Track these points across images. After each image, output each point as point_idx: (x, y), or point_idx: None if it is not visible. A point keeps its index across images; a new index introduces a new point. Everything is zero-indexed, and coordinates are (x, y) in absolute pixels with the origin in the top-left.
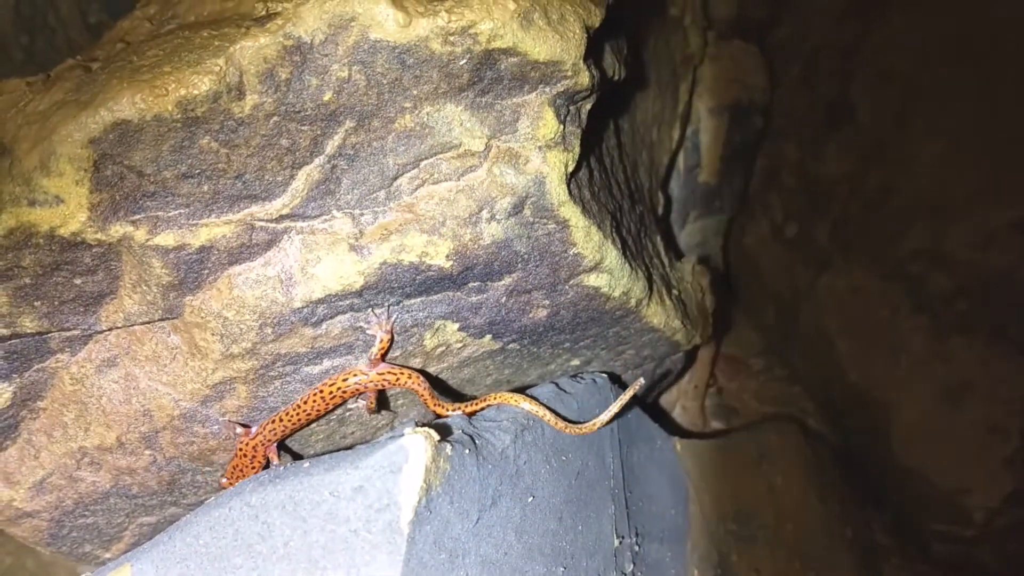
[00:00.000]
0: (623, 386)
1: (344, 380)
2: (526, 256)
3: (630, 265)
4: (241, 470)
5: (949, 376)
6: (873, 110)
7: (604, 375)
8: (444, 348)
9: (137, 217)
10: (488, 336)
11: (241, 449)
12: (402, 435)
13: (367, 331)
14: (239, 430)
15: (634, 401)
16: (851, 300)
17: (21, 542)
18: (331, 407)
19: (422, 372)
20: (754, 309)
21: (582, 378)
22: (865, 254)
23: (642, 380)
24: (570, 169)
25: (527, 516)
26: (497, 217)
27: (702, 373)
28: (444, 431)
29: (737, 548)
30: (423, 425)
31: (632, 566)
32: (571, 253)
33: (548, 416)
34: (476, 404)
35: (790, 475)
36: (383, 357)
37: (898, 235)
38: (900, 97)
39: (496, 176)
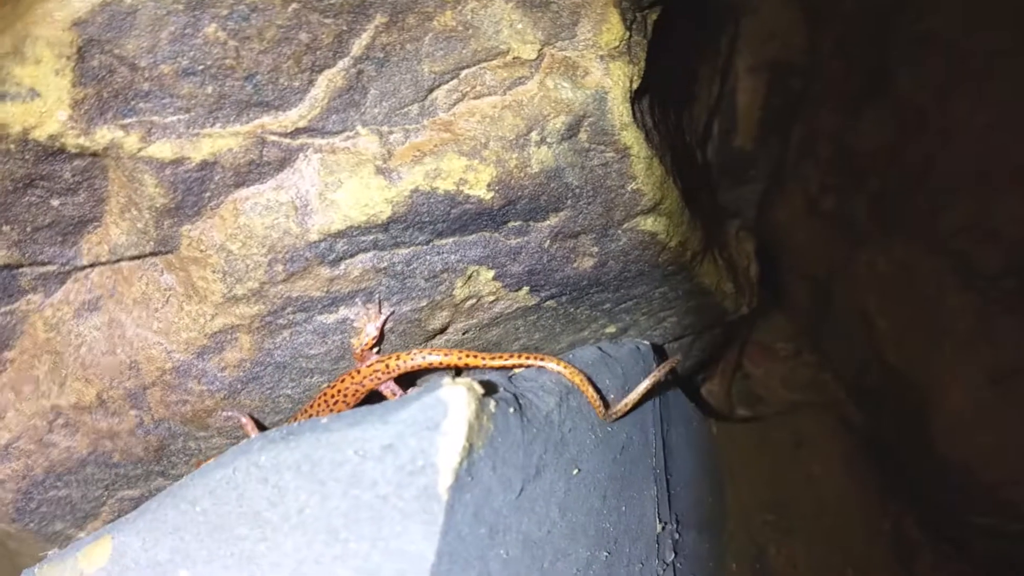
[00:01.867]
0: (664, 358)
1: (341, 381)
2: (578, 190)
3: (689, 211)
4: None
5: (996, 359)
6: (913, 78)
7: (647, 343)
8: (475, 301)
9: (128, 120)
10: (525, 288)
11: None
12: (439, 386)
13: (354, 323)
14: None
15: (673, 379)
16: (892, 278)
17: None
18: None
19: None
20: (784, 289)
21: (623, 342)
22: (906, 229)
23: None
24: (635, 86)
25: (571, 491)
26: (548, 140)
27: (729, 356)
28: (487, 385)
29: (775, 540)
30: (458, 375)
31: (673, 555)
32: (629, 189)
33: (591, 394)
34: (517, 358)
35: (828, 464)
36: (372, 350)
37: (941, 209)
38: (942, 65)
39: (549, 90)
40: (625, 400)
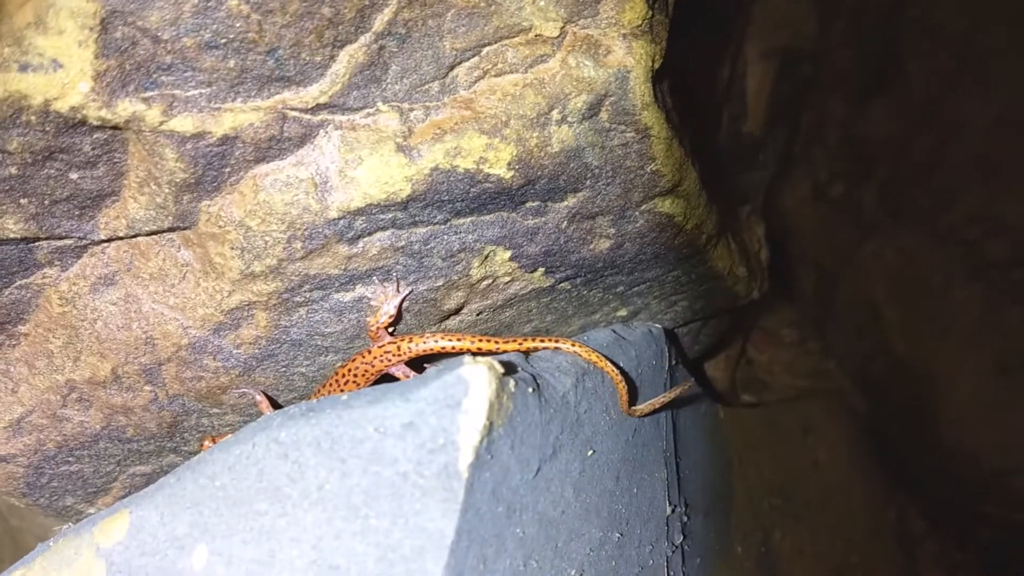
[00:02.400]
0: (673, 341)
1: (352, 361)
2: (597, 170)
3: (707, 193)
4: None
5: (1004, 349)
6: (922, 69)
7: (659, 327)
8: (490, 281)
9: (150, 94)
10: (540, 270)
11: None
12: (460, 364)
13: (371, 302)
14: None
15: (682, 359)
16: (899, 267)
17: None
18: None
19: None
20: (789, 277)
21: (636, 325)
22: (914, 219)
23: (692, 381)
24: (656, 65)
25: (586, 472)
26: (569, 119)
27: (735, 342)
28: (506, 365)
29: (781, 525)
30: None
31: (681, 537)
32: (648, 170)
33: (620, 384)
34: (536, 341)
35: (834, 451)
36: (387, 331)
37: (951, 200)
38: (951, 56)
39: (571, 68)
40: (651, 402)
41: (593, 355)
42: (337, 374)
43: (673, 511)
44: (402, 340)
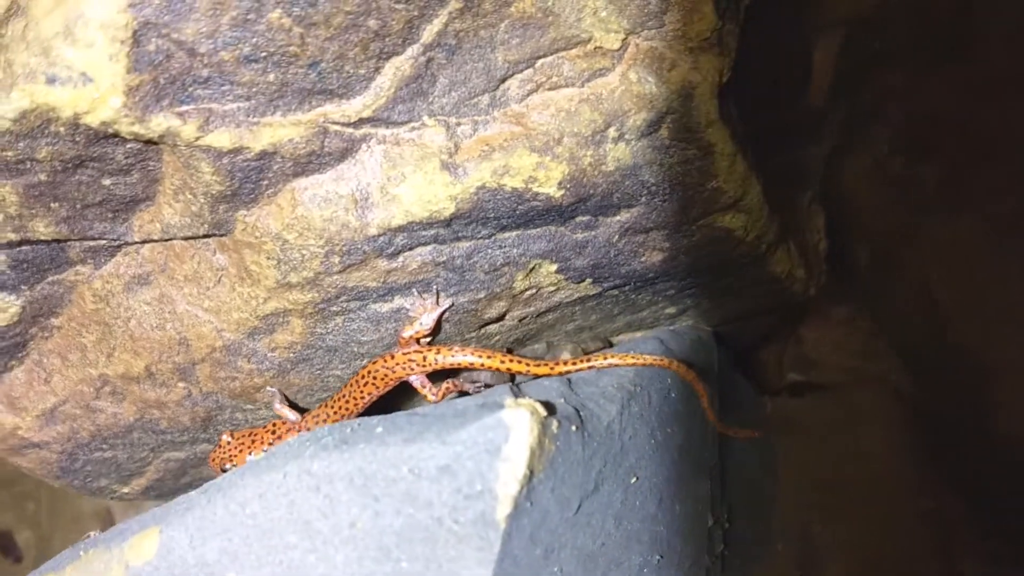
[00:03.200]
0: (722, 342)
1: (374, 363)
2: (654, 188)
3: (769, 204)
4: (256, 448)
5: None
6: (993, 41)
7: (708, 329)
8: (534, 292)
9: (186, 108)
10: (588, 280)
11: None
12: (500, 405)
13: (409, 312)
14: (287, 414)
15: (726, 351)
16: (959, 249)
17: (27, 473)
18: (372, 394)
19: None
20: (843, 253)
21: (683, 331)
22: (976, 202)
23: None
24: (725, 79)
25: (628, 500)
26: (627, 137)
27: (786, 325)
28: (547, 403)
29: (822, 519)
30: (518, 388)
31: (722, 546)
32: (709, 187)
33: (705, 399)
34: (566, 365)
35: (880, 442)
36: (418, 342)
37: (1017, 181)
38: None
39: (632, 83)
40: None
41: (665, 362)
42: (358, 375)
43: (716, 521)
44: (428, 351)
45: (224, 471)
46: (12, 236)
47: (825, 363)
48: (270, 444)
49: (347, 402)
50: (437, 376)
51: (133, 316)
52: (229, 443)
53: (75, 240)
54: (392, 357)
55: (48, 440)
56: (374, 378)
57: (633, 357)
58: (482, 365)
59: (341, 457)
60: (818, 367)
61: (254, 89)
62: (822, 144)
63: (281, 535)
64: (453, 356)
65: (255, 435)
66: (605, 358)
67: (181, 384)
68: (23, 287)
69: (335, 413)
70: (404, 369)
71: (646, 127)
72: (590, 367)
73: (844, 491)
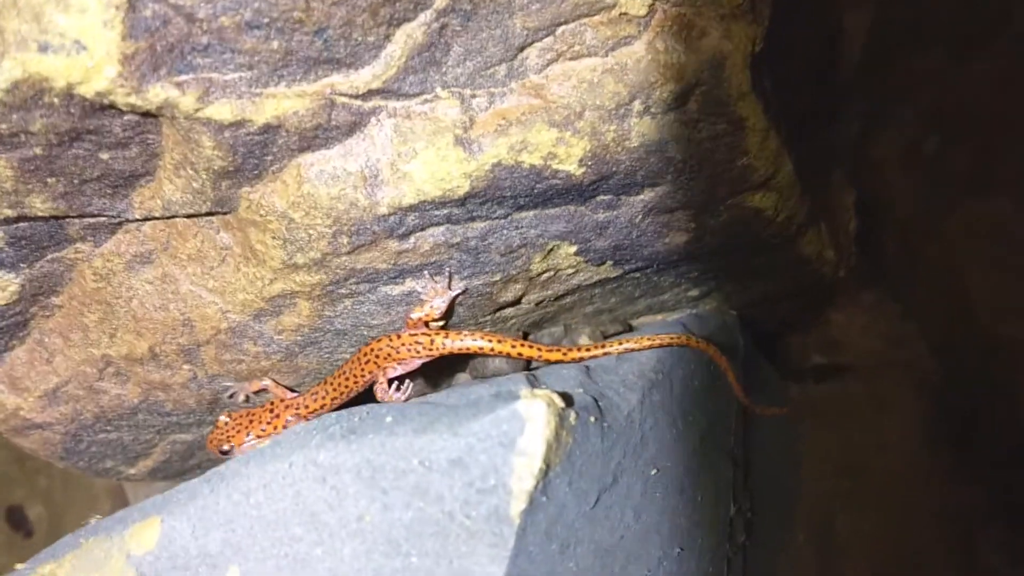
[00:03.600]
0: (746, 326)
1: (378, 342)
2: (680, 165)
3: (801, 183)
4: (255, 428)
5: None
6: None
7: (733, 313)
8: (552, 274)
9: (185, 78)
10: (608, 263)
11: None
12: (515, 396)
13: (420, 295)
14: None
15: (749, 335)
16: (990, 234)
17: (30, 454)
18: (373, 373)
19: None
20: (872, 235)
21: (707, 315)
22: (1010, 188)
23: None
24: (757, 48)
25: (647, 492)
26: (653, 110)
27: (813, 308)
28: (564, 393)
29: (845, 509)
30: (533, 377)
31: (744, 536)
32: (739, 164)
33: (732, 374)
34: (580, 351)
35: (905, 431)
36: (427, 325)
37: None
38: None
39: (659, 53)
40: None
41: (690, 340)
42: (360, 352)
43: (738, 510)
44: (437, 334)
45: (223, 452)
46: (8, 212)
47: (851, 347)
48: (268, 423)
49: (347, 379)
50: (445, 363)
51: (135, 296)
52: (227, 424)
53: (74, 217)
54: (398, 337)
55: (51, 421)
56: (376, 357)
57: (649, 339)
58: (492, 350)
59: (348, 448)
60: (844, 351)
61: (256, 58)
62: (852, 123)
63: (286, 527)
64: (462, 340)
65: (253, 415)
66: (620, 343)
67: (186, 366)
68: (22, 265)
69: (333, 391)
70: (409, 351)
71: (673, 100)
72: (605, 353)
73: (867, 480)
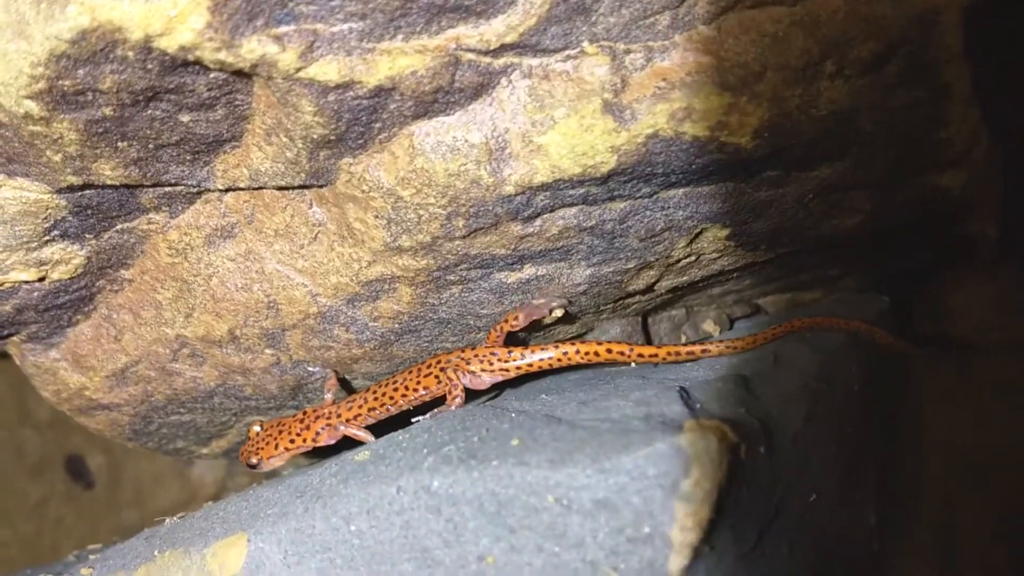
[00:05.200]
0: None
1: (448, 355)
2: (868, 137)
3: (991, 157)
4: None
5: None
6: None
7: (886, 299)
8: (693, 259)
9: (284, 29)
10: (763, 247)
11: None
12: (676, 425)
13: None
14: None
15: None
16: None
17: (95, 435)
18: (430, 389)
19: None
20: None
21: (859, 300)
22: None
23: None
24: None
25: (804, 521)
26: (847, 72)
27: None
28: (735, 417)
29: (970, 505)
30: (685, 393)
31: (877, 543)
32: (935, 138)
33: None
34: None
35: None
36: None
37: None
38: None
39: (860, 4)
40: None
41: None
42: (424, 364)
43: (876, 518)
44: (515, 349)
45: (250, 467)
46: (73, 179)
47: (966, 316)
48: (297, 434)
49: (395, 390)
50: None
51: (215, 273)
52: (257, 435)
53: (148, 185)
54: (471, 349)
55: (119, 402)
56: (442, 369)
57: (763, 333)
58: (584, 356)
59: (469, 476)
60: (955, 318)
61: (370, 5)
62: None
63: (393, 562)
64: (545, 353)
65: (283, 425)
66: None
67: (268, 351)
68: (88, 236)
69: (375, 400)
70: (481, 363)
71: (872, 60)
72: (704, 352)
73: (994, 475)
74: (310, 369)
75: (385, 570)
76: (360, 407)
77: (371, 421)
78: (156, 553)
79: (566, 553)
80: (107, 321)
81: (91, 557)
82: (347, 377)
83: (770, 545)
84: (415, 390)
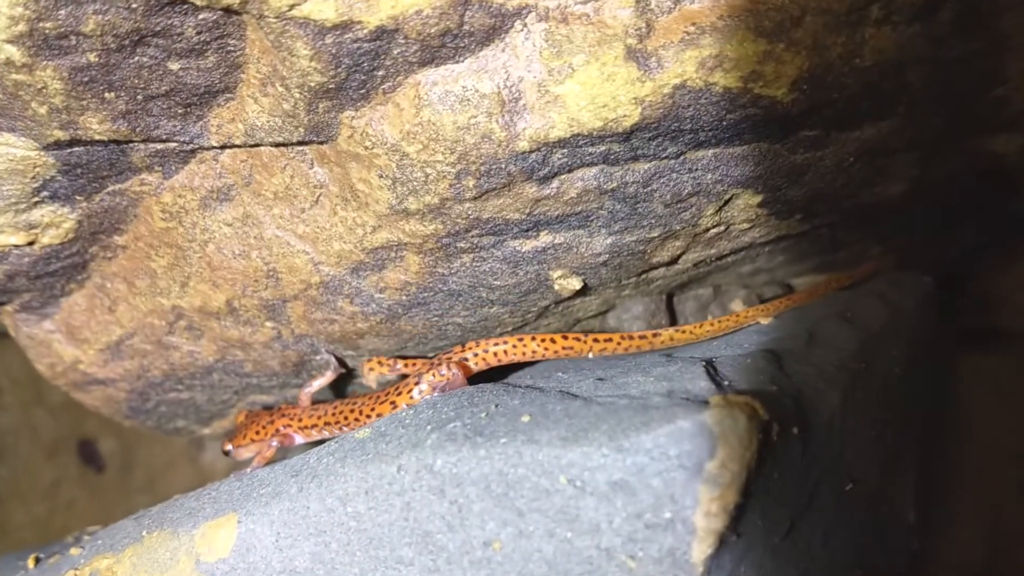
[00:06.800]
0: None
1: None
2: (918, 93)
3: None
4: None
5: None
6: None
7: (928, 279)
8: (722, 229)
9: None
10: (797, 216)
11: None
12: (701, 400)
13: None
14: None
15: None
16: None
17: (92, 411)
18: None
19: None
20: None
21: (904, 282)
22: None
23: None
24: None
25: (840, 512)
26: (895, 18)
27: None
28: (766, 393)
29: (1015, 498)
30: (712, 368)
31: (917, 542)
32: (991, 96)
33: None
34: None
35: None
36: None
37: None
38: None
39: None
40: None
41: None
42: (381, 391)
43: (916, 518)
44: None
45: (225, 453)
46: (60, 134)
47: (1009, 304)
48: (263, 428)
49: (351, 412)
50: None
51: (211, 239)
52: (241, 423)
53: (138, 141)
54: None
55: (114, 377)
56: (395, 400)
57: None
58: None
59: (475, 454)
60: (997, 307)
61: None
62: None
63: (392, 546)
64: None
65: (258, 417)
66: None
67: (269, 323)
68: (78, 198)
69: (332, 417)
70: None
71: (923, 5)
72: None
73: None
74: (317, 347)
75: (383, 555)
76: (319, 418)
77: (325, 436)
78: (144, 534)
79: (579, 539)
80: (101, 291)
81: (85, 538)
82: (353, 352)
83: (803, 536)
84: (368, 416)
